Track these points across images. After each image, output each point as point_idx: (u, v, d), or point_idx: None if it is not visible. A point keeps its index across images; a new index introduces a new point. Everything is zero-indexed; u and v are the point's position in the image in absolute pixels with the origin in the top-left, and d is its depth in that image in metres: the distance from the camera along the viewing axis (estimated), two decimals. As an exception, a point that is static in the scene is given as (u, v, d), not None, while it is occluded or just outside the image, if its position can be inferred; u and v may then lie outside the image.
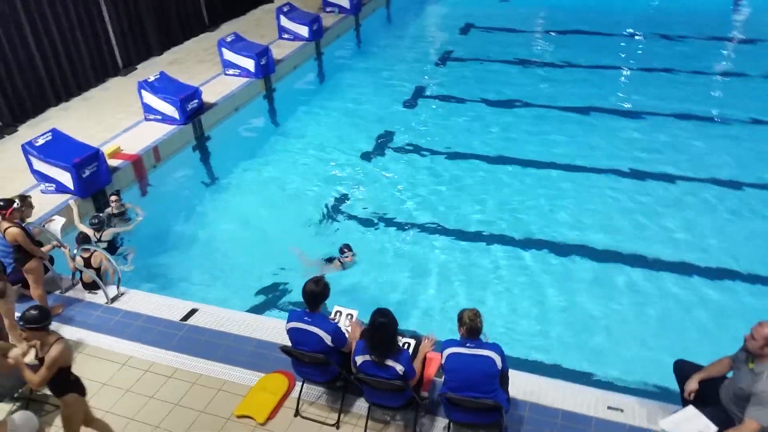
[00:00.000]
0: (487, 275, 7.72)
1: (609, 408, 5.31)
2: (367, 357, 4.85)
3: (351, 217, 9.04)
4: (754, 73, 12.88)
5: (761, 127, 10.77)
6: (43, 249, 6.76)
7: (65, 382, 4.67)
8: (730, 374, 4.71)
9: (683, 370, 4.99)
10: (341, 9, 17.12)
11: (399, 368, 4.77)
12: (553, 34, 16.16)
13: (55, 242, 7.15)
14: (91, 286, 7.15)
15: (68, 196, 8.89)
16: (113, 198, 8.74)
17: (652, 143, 10.43)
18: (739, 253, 7.79)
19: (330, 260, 7.91)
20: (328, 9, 17.22)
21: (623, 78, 13.28)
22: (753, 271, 7.50)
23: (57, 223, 7.61)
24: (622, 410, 5.28)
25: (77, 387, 4.77)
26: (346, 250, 7.86)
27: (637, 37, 15.42)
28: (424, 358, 5.21)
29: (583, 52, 14.55)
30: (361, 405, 5.45)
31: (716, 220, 8.45)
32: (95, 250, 7.06)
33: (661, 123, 11.06)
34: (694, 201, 8.86)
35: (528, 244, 8.19)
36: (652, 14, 17.29)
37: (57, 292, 7.16)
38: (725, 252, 7.83)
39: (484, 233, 8.48)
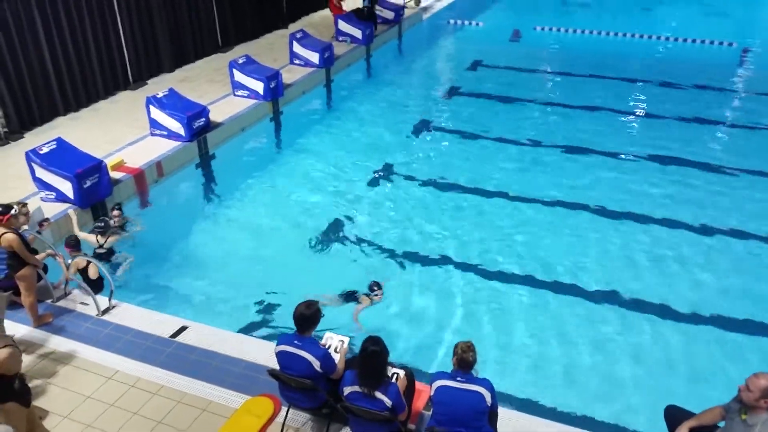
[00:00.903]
0: (487, 309, 7.66)
1: (598, 452, 5.23)
2: (356, 388, 4.77)
3: (350, 243, 9.02)
4: (756, 124, 13.01)
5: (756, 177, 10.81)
6: (38, 257, 6.74)
7: (7, 390, 4.57)
8: (721, 424, 4.64)
9: (674, 416, 4.92)
10: (353, 39, 17.39)
11: (387, 401, 4.70)
12: (559, 76, 16.36)
13: (49, 250, 7.13)
14: (95, 285, 7.21)
15: (67, 205, 8.89)
16: (116, 213, 8.74)
17: (649, 186, 10.50)
18: (733, 301, 7.75)
19: (352, 296, 7.61)
20: (341, 38, 17.49)
21: (625, 122, 13.35)
22: (749, 318, 7.46)
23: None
24: (611, 455, 5.20)
25: (20, 396, 4.66)
26: (375, 288, 7.60)
27: (641, 84, 15.58)
28: (413, 393, 5.15)
29: (587, 94, 14.71)
30: (346, 434, 5.36)
31: (720, 266, 8.44)
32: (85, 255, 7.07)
33: (663, 168, 11.12)
34: (700, 248, 8.85)
35: (532, 281, 8.14)
36: (658, 62, 17.50)
37: (48, 301, 7.11)
38: (721, 300, 7.78)
39: (483, 266, 8.44)
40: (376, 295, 7.60)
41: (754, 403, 4.22)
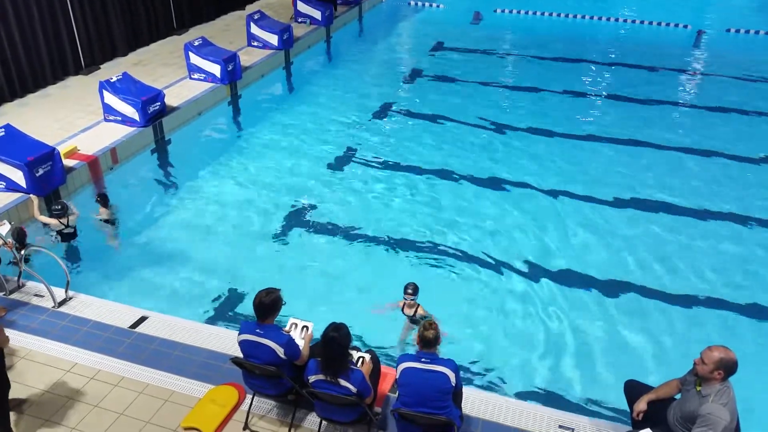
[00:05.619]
0: (445, 290, 7.71)
1: (560, 427, 5.33)
2: (320, 376, 4.75)
3: (312, 228, 8.95)
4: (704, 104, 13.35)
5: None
6: (-14, 248, 6.50)
7: None
8: (678, 396, 4.78)
9: (633, 390, 5.05)
10: (313, 20, 17.14)
11: (352, 388, 4.69)
12: (519, 58, 16.45)
13: (-2, 240, 6.87)
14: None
15: (19, 195, 8.59)
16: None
17: (595, 165, 10.75)
18: (686, 278, 7.98)
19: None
20: (300, 19, 17.22)
21: (583, 104, 13.52)
22: (709, 295, 7.70)
23: (3, 229, 7.34)
24: (573, 429, 5.31)
25: None
26: (409, 291, 6.71)
27: (602, 65, 15.80)
28: (378, 376, 5.15)
29: (548, 76, 14.86)
30: (312, 419, 5.35)
31: (673, 244, 8.65)
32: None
33: (618, 149, 11.35)
34: (655, 226, 9.04)
35: (486, 263, 8.22)
36: (618, 44, 17.74)
37: (1, 294, 6.87)
38: (676, 277, 8.00)
39: (442, 246, 8.49)
40: (406, 299, 6.77)
41: (709, 375, 4.35)
